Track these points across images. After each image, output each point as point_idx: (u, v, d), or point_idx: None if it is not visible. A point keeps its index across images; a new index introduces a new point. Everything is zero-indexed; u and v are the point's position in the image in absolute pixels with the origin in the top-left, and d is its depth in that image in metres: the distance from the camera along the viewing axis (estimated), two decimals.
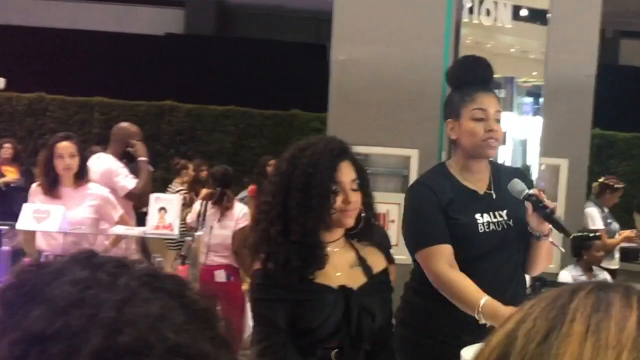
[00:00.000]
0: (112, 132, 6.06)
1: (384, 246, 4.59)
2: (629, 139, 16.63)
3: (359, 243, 2.82)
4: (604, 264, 6.95)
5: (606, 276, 6.83)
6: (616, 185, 7.58)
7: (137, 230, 5.04)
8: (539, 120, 4.92)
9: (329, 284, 2.67)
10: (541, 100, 4.81)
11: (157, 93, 16.28)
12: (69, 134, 5.21)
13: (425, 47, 5.44)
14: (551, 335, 0.78)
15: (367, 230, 2.79)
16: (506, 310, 2.65)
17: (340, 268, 2.72)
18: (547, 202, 2.77)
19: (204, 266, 6.36)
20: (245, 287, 6.08)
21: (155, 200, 4.85)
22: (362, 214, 2.73)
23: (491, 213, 2.90)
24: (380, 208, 5.20)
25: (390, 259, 4.49)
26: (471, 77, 2.95)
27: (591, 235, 6.29)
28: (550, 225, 2.81)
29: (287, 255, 2.57)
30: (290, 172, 2.61)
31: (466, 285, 2.79)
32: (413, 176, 5.49)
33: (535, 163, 4.85)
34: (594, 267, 6.49)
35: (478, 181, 2.94)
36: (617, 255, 7.36)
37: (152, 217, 4.82)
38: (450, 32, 3.67)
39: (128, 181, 5.53)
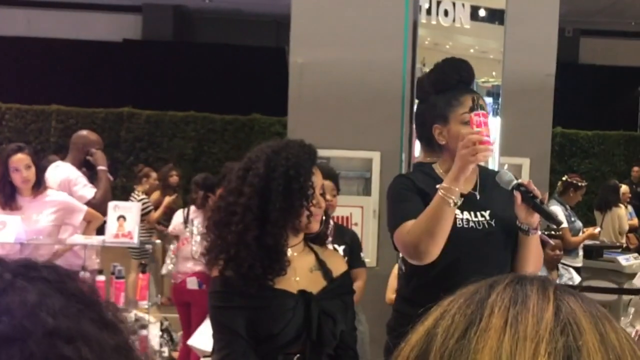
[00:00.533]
0: (72, 140, 5.96)
1: (354, 249, 4.58)
2: (591, 137, 16.84)
3: (318, 246, 2.79)
4: (568, 262, 7.00)
5: (572, 274, 6.87)
6: (580, 184, 7.64)
7: (96, 240, 4.97)
8: (499, 121, 4.93)
9: (288, 289, 2.63)
10: (501, 100, 4.82)
11: (115, 100, 16.13)
12: (21, 145, 5.11)
13: (384, 49, 5.43)
14: (470, 330, 0.77)
15: (325, 234, 2.78)
16: (453, 167, 2.66)
17: (300, 272, 2.68)
18: (537, 191, 2.74)
19: (175, 273, 6.30)
20: None
21: (114, 208, 4.79)
22: (324, 218, 2.71)
23: (472, 212, 2.85)
24: (344, 211, 5.20)
25: (358, 262, 4.47)
26: (455, 80, 2.92)
27: (545, 233, 6.30)
28: (539, 218, 2.77)
29: (253, 262, 2.52)
30: (268, 174, 2.55)
31: (422, 213, 2.73)
32: (376, 179, 5.47)
33: (496, 163, 4.86)
34: (560, 266, 6.51)
35: (463, 183, 2.88)
36: (580, 252, 7.42)
37: (111, 226, 4.75)
38: (408, 34, 3.65)
39: (86, 190, 5.45)
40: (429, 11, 4.18)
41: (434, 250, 2.72)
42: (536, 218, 2.77)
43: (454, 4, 4.50)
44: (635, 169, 14.20)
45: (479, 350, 0.75)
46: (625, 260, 7.51)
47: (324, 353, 2.66)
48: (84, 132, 5.99)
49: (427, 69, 4.29)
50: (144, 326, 5.42)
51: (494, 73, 4.53)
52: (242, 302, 2.56)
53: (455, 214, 2.78)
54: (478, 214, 2.85)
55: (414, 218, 2.77)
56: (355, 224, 5.31)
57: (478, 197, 2.88)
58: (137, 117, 16.27)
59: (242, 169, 2.65)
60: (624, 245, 8.91)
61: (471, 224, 2.83)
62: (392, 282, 5.14)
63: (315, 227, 2.64)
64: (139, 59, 18.28)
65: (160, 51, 18.67)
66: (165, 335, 6.29)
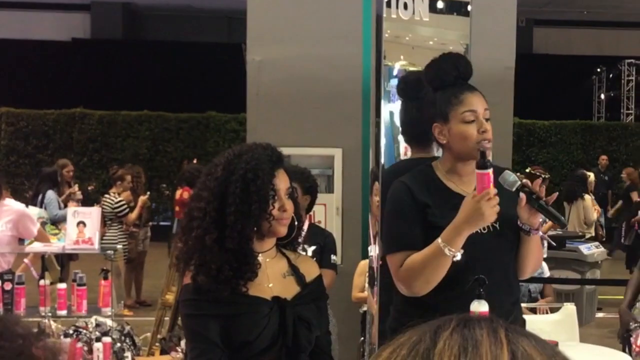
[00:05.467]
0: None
1: (325, 250, 4.53)
2: (548, 127, 17.05)
3: (291, 251, 2.74)
4: None
5: (543, 268, 6.91)
6: (543, 175, 7.70)
7: (55, 247, 4.87)
8: None
9: (262, 296, 2.59)
10: None
11: (66, 101, 15.91)
12: None
13: (343, 44, 5.40)
14: None
15: (297, 239, 2.74)
16: (457, 220, 2.60)
17: (273, 278, 2.64)
18: (541, 192, 2.70)
19: None
20: None
21: (74, 214, 4.69)
22: (295, 223, 2.66)
23: None
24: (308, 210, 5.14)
25: (325, 263, 4.42)
26: (453, 76, 2.83)
27: None
28: (540, 219, 2.74)
29: (220, 264, 2.47)
30: (227, 177, 2.50)
31: (419, 253, 2.69)
32: (338, 176, 5.44)
33: None
34: None
35: (464, 183, 2.83)
36: (545, 243, 7.48)
37: (71, 232, 4.66)
38: (371, 28, 3.62)
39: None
40: (388, 4, 4.15)
41: (426, 292, 2.71)
42: (538, 219, 2.73)
43: None
44: (603, 157, 14.41)
45: None
46: (587, 249, 7.61)
47: (299, 359, 2.62)
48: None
49: (388, 62, 4.26)
50: (106, 332, 5.34)
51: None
52: (215, 310, 2.51)
53: None
54: None
55: (409, 249, 2.73)
56: (319, 222, 5.27)
57: None
58: (90, 118, 16.07)
59: (206, 173, 2.61)
60: (590, 236, 8.99)
61: None
62: (358, 280, 5.12)
63: (281, 231, 2.59)
64: (89, 59, 18.07)
65: (110, 50, 18.47)
66: (127, 340, 6.20)
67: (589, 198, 9.33)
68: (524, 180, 2.73)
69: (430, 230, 2.73)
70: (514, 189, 2.69)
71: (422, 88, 3.04)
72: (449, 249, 2.64)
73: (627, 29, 19.85)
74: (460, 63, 2.88)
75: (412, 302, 2.81)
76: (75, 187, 9.68)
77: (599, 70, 19.89)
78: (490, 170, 2.66)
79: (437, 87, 2.85)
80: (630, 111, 19.53)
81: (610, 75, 19.77)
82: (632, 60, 19.19)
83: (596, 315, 7.86)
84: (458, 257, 2.67)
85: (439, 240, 2.65)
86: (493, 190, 2.63)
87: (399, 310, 2.93)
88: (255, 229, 2.52)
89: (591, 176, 10.35)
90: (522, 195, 2.68)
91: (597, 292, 7.81)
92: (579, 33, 20.06)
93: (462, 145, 2.78)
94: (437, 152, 3.14)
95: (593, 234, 9.17)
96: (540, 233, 2.80)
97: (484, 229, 2.76)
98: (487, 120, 2.79)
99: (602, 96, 20.08)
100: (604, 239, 10.25)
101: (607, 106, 19.98)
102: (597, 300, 7.85)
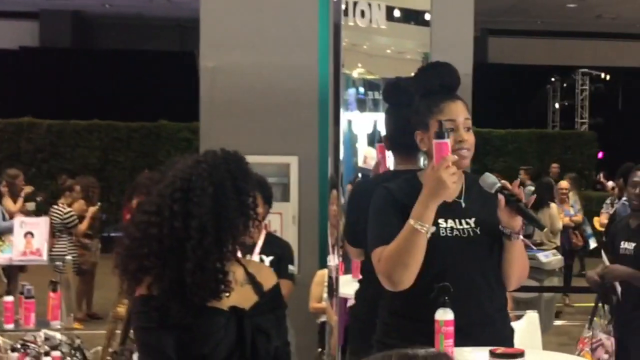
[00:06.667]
0: None
1: (283, 260, 4.45)
2: (504, 136, 17.26)
3: (245, 259, 2.67)
4: None
5: None
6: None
7: (1, 258, 4.74)
8: None
9: (218, 306, 2.50)
10: None
11: (14, 110, 15.64)
12: None
13: (298, 52, 5.37)
14: None
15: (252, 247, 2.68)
16: (422, 195, 2.62)
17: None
18: (521, 194, 2.69)
19: None
20: None
21: (21, 224, 4.57)
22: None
23: (457, 220, 2.78)
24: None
25: (283, 274, 4.35)
26: (437, 85, 2.84)
27: None
28: (522, 222, 2.72)
29: (181, 277, 2.38)
30: (216, 191, 2.42)
31: (394, 240, 2.69)
32: (294, 184, 5.38)
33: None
34: None
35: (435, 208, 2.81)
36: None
37: (18, 243, 4.53)
38: (328, 36, 3.59)
39: None
40: (345, 12, 4.14)
41: (408, 279, 2.69)
42: (518, 222, 2.72)
43: (369, 5, 4.45)
44: (554, 165, 14.53)
45: None
46: (545, 257, 7.67)
47: None
48: None
49: (346, 70, 4.23)
50: (55, 347, 5.20)
51: (412, 74, 4.48)
52: (169, 321, 2.41)
53: (439, 223, 2.73)
54: (463, 221, 2.78)
55: (388, 243, 2.72)
56: (275, 231, 5.20)
57: (463, 205, 2.81)
58: (38, 127, 15.81)
59: (179, 189, 2.45)
60: (556, 245, 9.00)
61: (455, 232, 2.77)
62: (315, 290, 5.06)
63: (255, 237, 2.54)
64: (38, 67, 17.83)
65: (59, 58, 18.25)
66: (78, 354, 6.05)
67: (554, 206, 9.34)
68: (503, 181, 2.72)
69: None
70: (493, 191, 2.69)
71: (404, 93, 3.05)
72: (420, 223, 2.64)
73: (581, 38, 20.20)
74: (445, 72, 2.88)
75: (399, 313, 2.80)
76: (29, 189, 9.46)
77: (553, 79, 20.19)
78: (448, 140, 2.68)
79: (422, 95, 2.85)
80: (584, 120, 19.85)
81: (565, 85, 20.08)
82: (586, 70, 19.53)
83: (554, 323, 7.91)
84: (432, 229, 2.67)
85: (410, 219, 2.65)
86: (451, 158, 2.64)
87: (385, 323, 2.90)
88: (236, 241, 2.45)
89: (561, 182, 10.36)
90: (501, 197, 2.67)
91: (555, 299, 7.87)
92: (534, 43, 20.33)
93: None
94: (424, 164, 3.18)
95: (558, 244, 9.16)
96: (521, 237, 2.79)
97: (462, 232, 2.76)
98: (468, 129, 2.79)
99: (557, 105, 20.37)
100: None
101: (561, 115, 20.28)
102: (555, 308, 7.91)
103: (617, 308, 4.34)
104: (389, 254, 2.70)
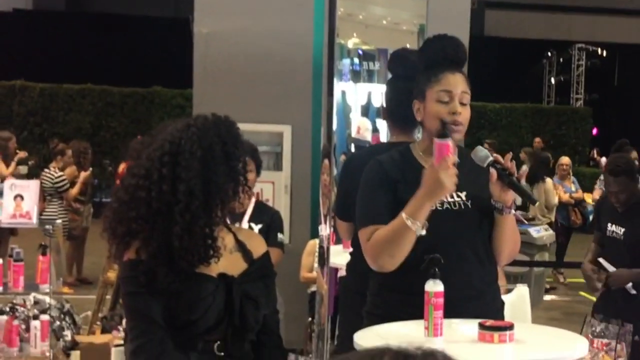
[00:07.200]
0: None
1: (272, 228, 4.44)
2: (498, 110, 17.22)
3: (235, 226, 2.65)
4: None
5: None
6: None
7: None
8: None
9: (207, 273, 2.48)
10: None
11: (6, 72, 15.52)
12: None
13: (293, 20, 5.31)
14: None
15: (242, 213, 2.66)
16: (419, 192, 2.61)
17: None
18: (512, 168, 2.68)
19: None
20: None
21: (11, 187, 4.53)
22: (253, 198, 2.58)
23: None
24: (254, 187, 5.05)
25: (272, 242, 4.33)
26: (440, 57, 2.82)
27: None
28: (513, 197, 2.72)
29: (169, 242, 2.36)
30: (204, 155, 2.40)
31: (385, 227, 2.69)
32: (287, 153, 5.35)
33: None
34: None
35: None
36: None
37: (8, 205, 4.50)
38: (324, 4, 3.54)
39: None
40: None
41: (392, 266, 2.72)
42: (510, 196, 2.71)
43: None
44: (537, 139, 14.50)
45: None
46: (536, 232, 7.67)
47: (246, 339, 2.53)
48: None
49: (340, 40, 4.21)
50: (44, 310, 5.19)
51: (407, 45, 4.46)
52: (157, 287, 2.39)
53: None
54: (454, 194, 2.77)
55: (377, 222, 2.73)
56: (267, 200, 5.18)
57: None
58: (31, 91, 15.70)
59: (168, 153, 2.42)
60: (550, 220, 8.97)
61: (446, 205, 2.77)
62: (306, 260, 5.05)
63: (245, 204, 2.52)
64: (31, 30, 17.67)
65: (53, 22, 18.11)
66: (67, 319, 6.05)
67: (550, 181, 9.25)
68: (495, 155, 2.70)
69: (400, 206, 2.71)
70: (485, 165, 2.68)
71: (408, 64, 3.05)
72: (412, 221, 2.64)
73: (579, 13, 20.08)
74: (449, 45, 2.85)
75: (388, 287, 2.81)
76: (23, 154, 9.40)
77: (549, 54, 20.11)
78: (450, 140, 2.66)
79: (424, 67, 2.85)
80: (579, 95, 19.80)
81: (561, 60, 20.00)
82: (583, 45, 19.44)
83: (544, 298, 7.94)
84: (423, 232, 2.66)
85: (403, 213, 2.65)
86: (451, 159, 2.63)
87: (374, 294, 2.91)
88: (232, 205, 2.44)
89: (563, 158, 10.23)
90: (493, 170, 2.66)
91: (545, 274, 7.88)
92: (531, 17, 20.22)
93: (433, 125, 2.77)
94: (418, 137, 3.17)
95: (552, 219, 9.14)
96: (514, 212, 2.78)
97: (453, 205, 2.76)
98: (464, 104, 2.76)
99: (553, 80, 20.31)
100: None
101: (557, 90, 20.22)
102: (545, 283, 7.93)
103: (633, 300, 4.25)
104: (377, 241, 2.72)
